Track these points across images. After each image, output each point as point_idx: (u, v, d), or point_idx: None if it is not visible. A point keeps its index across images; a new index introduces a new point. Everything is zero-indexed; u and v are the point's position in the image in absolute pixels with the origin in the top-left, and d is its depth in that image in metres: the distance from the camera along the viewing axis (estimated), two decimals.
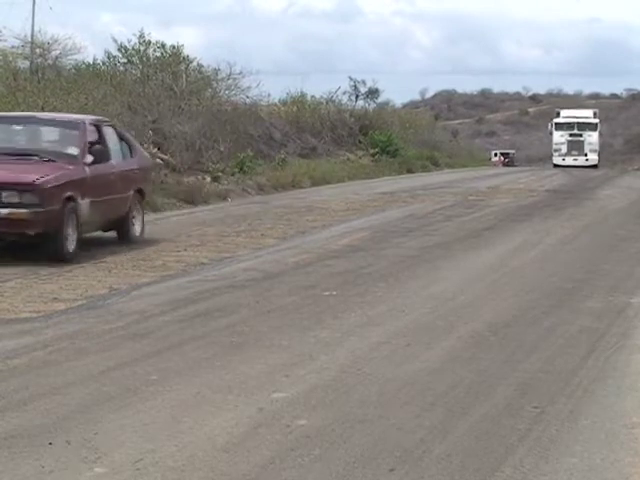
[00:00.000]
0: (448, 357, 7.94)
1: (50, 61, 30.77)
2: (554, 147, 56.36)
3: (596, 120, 56.67)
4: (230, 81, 32.69)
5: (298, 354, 7.91)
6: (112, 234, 14.69)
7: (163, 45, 31.00)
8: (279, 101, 38.86)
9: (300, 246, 14.64)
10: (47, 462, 5.43)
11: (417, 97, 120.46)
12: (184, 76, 30.03)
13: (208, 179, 24.24)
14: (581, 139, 55.09)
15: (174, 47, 31.07)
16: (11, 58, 28.59)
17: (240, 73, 32.71)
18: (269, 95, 36.12)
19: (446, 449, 5.71)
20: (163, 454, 5.56)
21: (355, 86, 46.41)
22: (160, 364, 7.57)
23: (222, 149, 26.99)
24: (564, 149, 55.04)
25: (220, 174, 24.73)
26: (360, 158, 37.41)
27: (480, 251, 14.30)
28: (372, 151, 38.11)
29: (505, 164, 64.78)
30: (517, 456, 5.61)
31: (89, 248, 13.56)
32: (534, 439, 5.91)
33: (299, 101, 38.85)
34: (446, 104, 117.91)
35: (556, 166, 53.99)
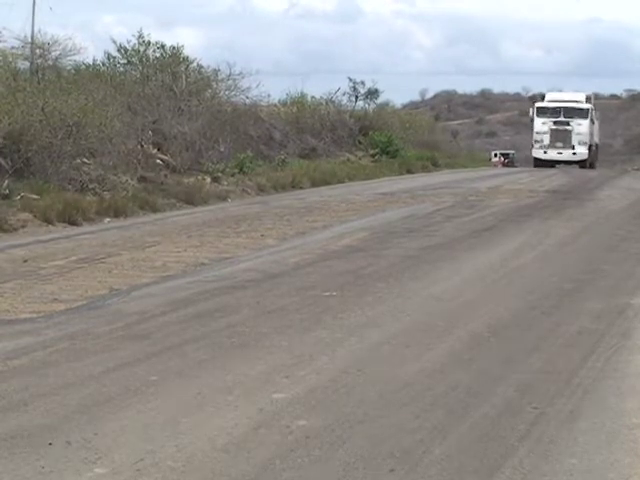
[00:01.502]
0: (448, 358, 7.94)
1: (50, 62, 30.74)
2: (534, 137, 47.10)
3: (588, 106, 47.20)
4: (230, 82, 32.74)
5: (298, 355, 7.92)
6: (113, 235, 14.68)
7: (163, 46, 31.06)
8: (279, 102, 38.89)
9: (300, 247, 14.63)
10: (47, 462, 5.43)
11: (417, 97, 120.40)
12: (184, 77, 30.05)
13: (208, 180, 24.24)
14: (568, 128, 45.86)
15: (174, 48, 31.13)
16: (11, 59, 28.55)
17: (240, 74, 32.76)
18: (269, 96, 36.16)
19: (446, 450, 5.71)
20: (163, 455, 5.56)
21: (354, 87, 46.37)
22: (160, 365, 7.57)
23: (222, 150, 27.01)
24: (546, 140, 46.05)
25: (220, 175, 24.74)
26: (360, 159, 37.41)
27: (480, 252, 14.30)
28: (372, 152, 38.11)
29: (505, 164, 64.06)
30: (517, 457, 5.62)
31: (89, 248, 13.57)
32: (534, 440, 5.92)
33: (299, 102, 38.85)
34: (446, 104, 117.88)
35: (537, 161, 46.37)
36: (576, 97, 48.14)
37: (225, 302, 10.24)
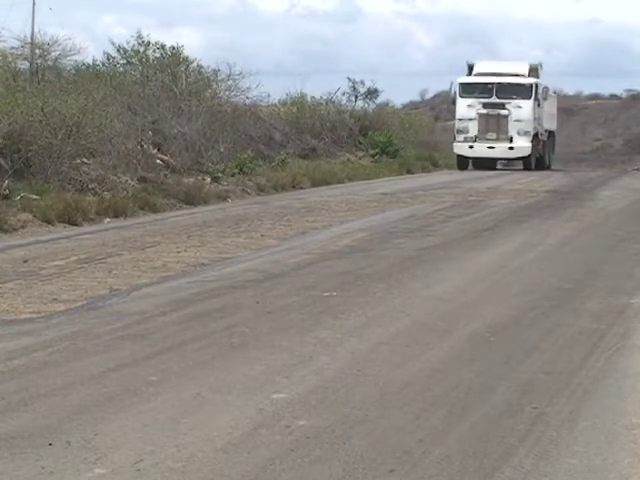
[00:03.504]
0: (448, 358, 7.94)
1: (50, 62, 30.77)
2: (456, 126, 35.33)
3: (531, 80, 34.68)
4: (230, 82, 32.76)
5: (298, 355, 7.92)
6: (113, 236, 14.67)
7: (162, 46, 31.09)
8: (279, 102, 38.90)
9: (300, 247, 14.63)
10: (47, 463, 5.43)
11: (417, 98, 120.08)
12: (184, 77, 30.07)
13: (208, 180, 24.25)
14: (503, 112, 33.95)
15: (173, 48, 31.15)
16: (11, 59, 28.60)
17: (240, 74, 32.78)
18: (269, 96, 36.18)
19: (446, 450, 5.71)
20: (163, 455, 5.56)
21: (354, 87, 46.41)
22: (160, 365, 7.57)
23: (222, 150, 27.00)
24: (473, 129, 34.34)
25: (220, 175, 24.74)
26: (360, 159, 37.41)
27: (480, 252, 14.30)
28: (372, 152, 38.10)
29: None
30: (517, 457, 5.62)
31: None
32: (534, 440, 5.91)
33: (299, 102, 38.86)
34: (446, 105, 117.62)
35: (460, 159, 35.53)
36: (516, 68, 35.23)
37: (225, 302, 10.24)
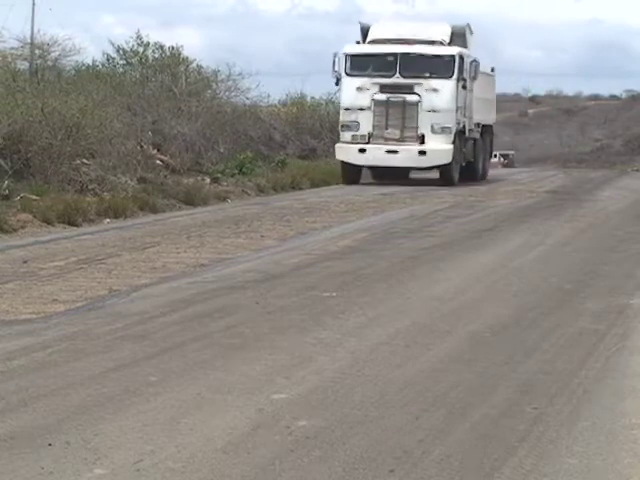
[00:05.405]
0: (448, 358, 7.94)
1: (50, 62, 30.78)
2: (341, 118, 25.34)
3: (454, 50, 24.21)
4: (230, 82, 32.79)
5: (298, 355, 7.91)
6: (113, 236, 14.64)
7: (161, 47, 31.12)
8: (279, 102, 38.91)
9: (300, 247, 14.63)
10: (47, 463, 5.43)
11: None
12: (183, 77, 30.08)
13: (207, 180, 24.25)
14: (410, 99, 23.80)
15: (173, 48, 31.18)
16: (10, 59, 28.61)
17: (240, 74, 32.81)
18: (269, 96, 36.20)
19: (446, 450, 5.71)
20: (163, 455, 5.56)
21: None
22: (160, 365, 7.57)
23: (222, 150, 27.02)
24: (365, 124, 24.29)
25: (220, 175, 24.75)
26: None
27: (480, 252, 14.29)
28: None
29: (505, 165, 63.56)
30: (517, 457, 5.62)
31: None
32: (534, 440, 5.91)
33: (299, 102, 38.85)
34: None
35: (346, 167, 25.43)
36: (431, 32, 24.51)
37: (225, 303, 10.24)
